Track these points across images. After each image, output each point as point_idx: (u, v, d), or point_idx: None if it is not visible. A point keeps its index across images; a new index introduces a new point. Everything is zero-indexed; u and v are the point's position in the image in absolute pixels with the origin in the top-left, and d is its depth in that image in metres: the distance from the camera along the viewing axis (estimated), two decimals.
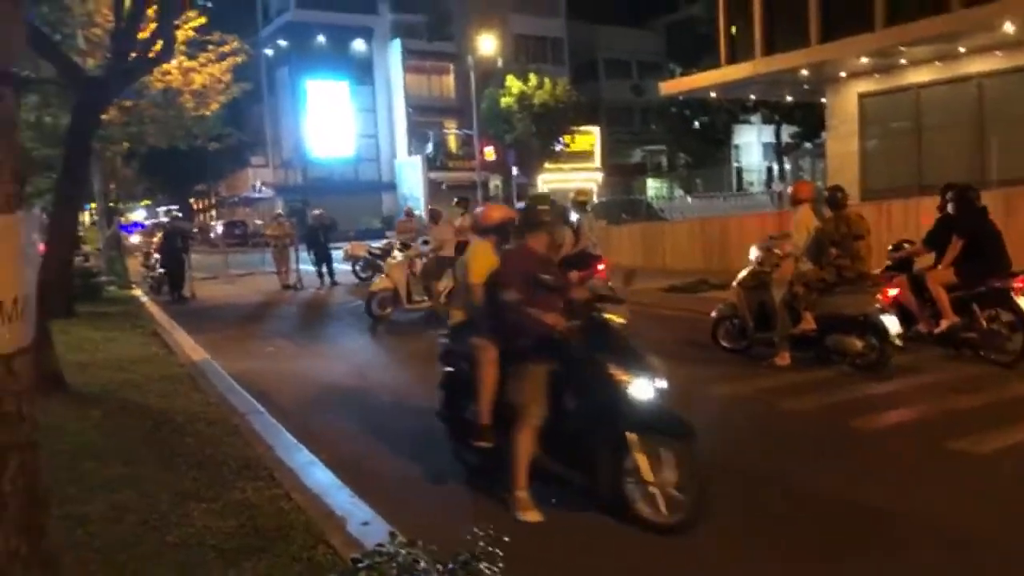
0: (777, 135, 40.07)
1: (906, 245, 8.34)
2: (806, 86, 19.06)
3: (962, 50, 15.11)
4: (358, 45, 47.50)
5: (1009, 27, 13.43)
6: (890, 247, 8.47)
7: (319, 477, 4.92)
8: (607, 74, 52.38)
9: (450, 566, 2.39)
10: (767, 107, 36.22)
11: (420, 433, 5.77)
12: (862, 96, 17.44)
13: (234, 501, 4.43)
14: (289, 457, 5.29)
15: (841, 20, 15.93)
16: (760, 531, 4.16)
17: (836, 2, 16.42)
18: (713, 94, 22.69)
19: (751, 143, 51.03)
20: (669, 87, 22.44)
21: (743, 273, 8.17)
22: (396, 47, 46.85)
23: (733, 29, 18.70)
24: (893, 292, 7.65)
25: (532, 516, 4.25)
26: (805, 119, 34.15)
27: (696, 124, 43.74)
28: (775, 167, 43.17)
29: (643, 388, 4.08)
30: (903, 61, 16.04)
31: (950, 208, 7.57)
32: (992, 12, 13.33)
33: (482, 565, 2.36)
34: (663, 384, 4.15)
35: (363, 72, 47.75)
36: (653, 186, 51.49)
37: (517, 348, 4.35)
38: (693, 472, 4.02)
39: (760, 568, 3.78)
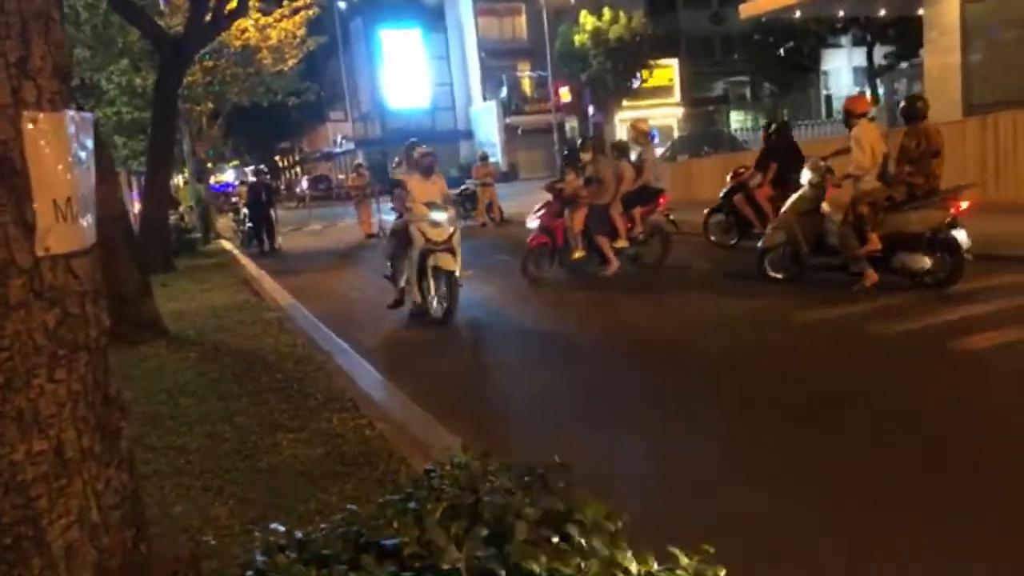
0: (869, 57, 37.71)
1: (742, 171, 10.85)
2: None
3: None
4: None
5: None
6: (729, 174, 11.19)
7: (401, 409, 5.01)
8: (685, 3, 50.28)
9: (525, 479, 2.38)
10: (858, 26, 34.10)
11: (498, 370, 5.80)
12: (965, 2, 16.11)
13: (320, 430, 4.56)
14: (372, 391, 5.41)
15: None
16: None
17: None
18: (798, 13, 21.39)
19: (840, 68, 48.32)
20: (749, 9, 21.25)
21: (795, 197, 7.92)
22: None
23: None
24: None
25: None
26: (900, 37, 32.00)
27: (781, 51, 41.64)
28: (867, 91, 40.79)
29: None
30: None
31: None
32: None
33: (555, 479, 2.33)
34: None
35: (435, 19, 47.43)
36: (736, 118, 49.56)
37: None
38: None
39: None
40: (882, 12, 21.20)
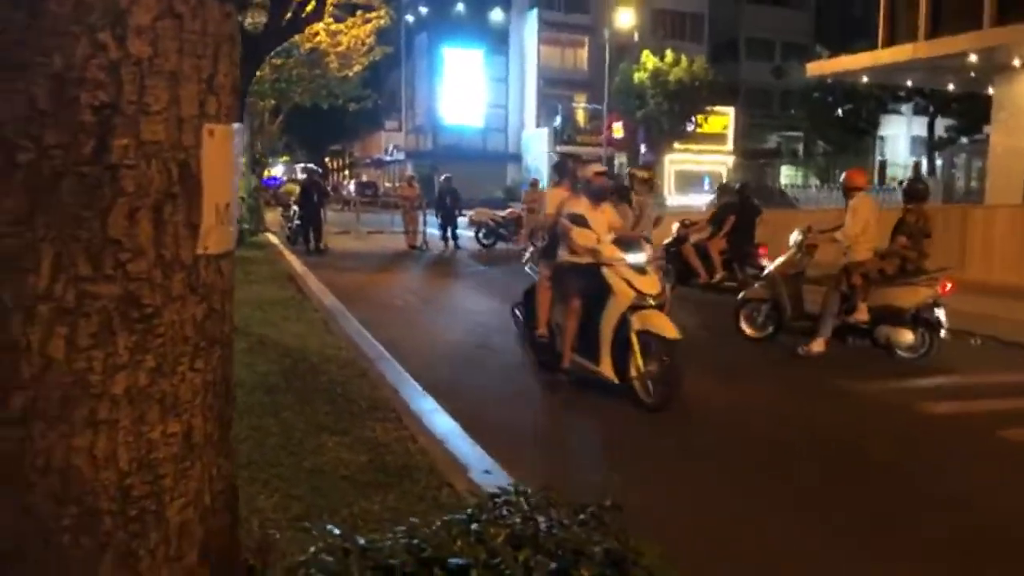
0: (931, 128, 37.41)
1: (688, 222, 11.81)
2: (972, 74, 17.65)
3: None
4: (495, 14, 47.80)
5: None
6: (676, 223, 11.86)
7: (443, 424, 5.08)
8: (748, 54, 50.40)
9: (580, 516, 2.43)
10: (922, 97, 33.89)
11: (538, 393, 5.85)
12: None
13: (364, 438, 4.64)
14: (415, 402, 5.49)
15: (1019, 2, 14.61)
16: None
17: None
18: (865, 79, 21.39)
19: (898, 135, 47.88)
20: (816, 68, 21.36)
21: (782, 259, 8.02)
22: (533, 17, 46.83)
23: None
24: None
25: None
26: (964, 112, 31.71)
27: (839, 111, 41.49)
28: (924, 162, 40.38)
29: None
30: None
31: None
32: None
33: (608, 517, 2.38)
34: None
35: (498, 41, 48.09)
36: (787, 173, 49.36)
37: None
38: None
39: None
40: (950, 86, 21.11)
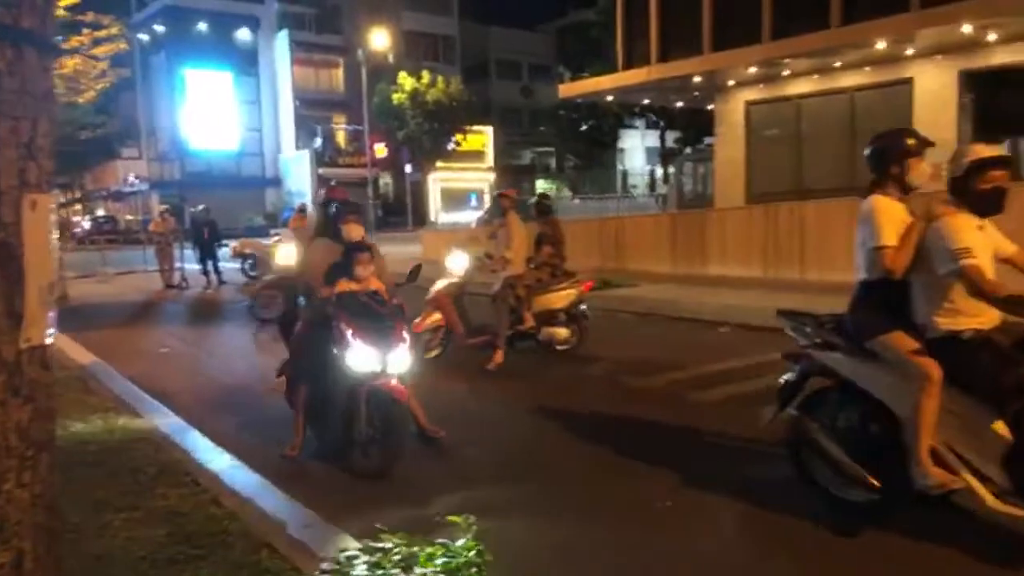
0: (662, 140, 41.62)
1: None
2: (697, 93, 19.88)
3: (837, 65, 16.20)
4: (242, 34, 45.71)
5: (880, 45, 14.51)
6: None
7: (246, 480, 4.69)
8: (498, 74, 52.82)
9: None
10: (653, 112, 37.55)
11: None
12: (749, 104, 18.38)
13: (158, 509, 4.16)
14: (209, 461, 5.02)
15: (732, 31, 16.74)
16: None
17: (727, 14, 17.25)
18: (610, 98, 23.28)
19: (635, 147, 52.78)
20: (567, 90, 22.89)
21: (444, 283, 7.97)
22: (283, 38, 45.44)
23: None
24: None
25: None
26: (688, 125, 35.63)
27: (584, 127, 44.79)
28: (658, 171, 44.80)
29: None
30: (786, 72, 17.03)
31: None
32: (865, 31, 14.36)
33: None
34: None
35: (247, 63, 45.99)
36: (543, 186, 52.35)
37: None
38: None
39: None
40: (679, 104, 23.59)
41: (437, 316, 7.94)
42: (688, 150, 39.57)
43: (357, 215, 5.43)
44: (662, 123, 39.38)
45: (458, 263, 8.11)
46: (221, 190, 40.43)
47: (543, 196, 8.86)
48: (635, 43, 19.03)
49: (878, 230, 3.73)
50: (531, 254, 8.53)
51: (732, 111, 18.74)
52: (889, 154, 3.89)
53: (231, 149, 45.78)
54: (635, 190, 49.52)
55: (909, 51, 15.03)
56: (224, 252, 17.84)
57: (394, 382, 4.87)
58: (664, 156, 41.85)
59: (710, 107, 20.05)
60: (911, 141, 3.89)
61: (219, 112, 44.80)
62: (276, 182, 46.83)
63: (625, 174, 50.94)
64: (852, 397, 3.91)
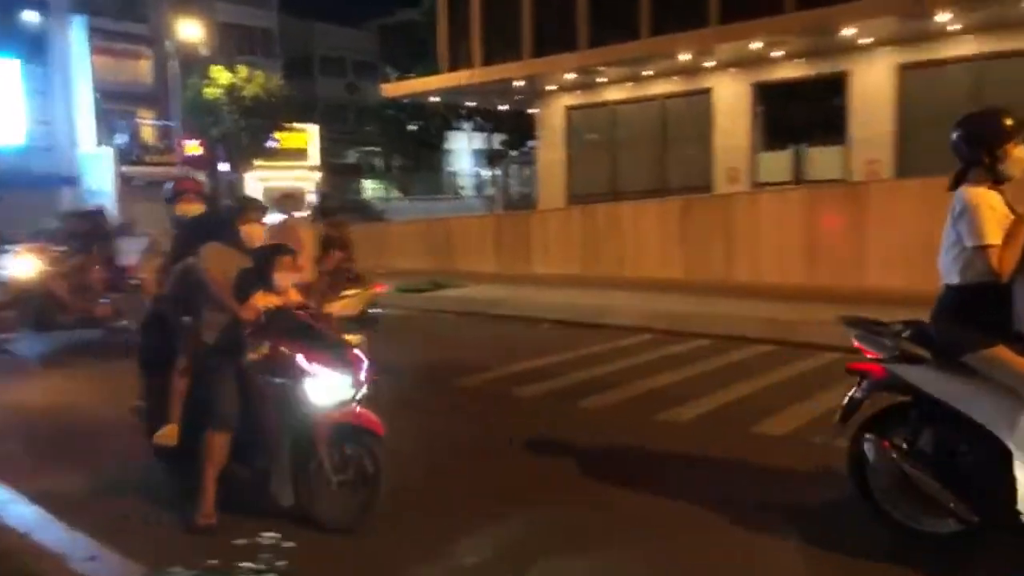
0: (488, 142, 42.27)
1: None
2: (519, 96, 20.32)
3: (648, 74, 17.15)
4: (29, 17, 41.21)
5: (684, 56, 15.51)
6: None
7: (22, 514, 4.19)
8: (321, 71, 51.32)
9: None
10: (480, 115, 38.04)
11: (119, 452, 5.14)
12: (569, 109, 19.03)
13: None
14: None
15: (551, 38, 17.27)
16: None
17: (546, 21, 17.77)
18: (435, 99, 23.26)
19: (463, 149, 53.20)
20: (392, 89, 22.62)
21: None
22: (79, 24, 41.46)
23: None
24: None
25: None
26: (513, 128, 36.41)
27: (411, 128, 44.53)
28: (485, 172, 45.49)
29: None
30: (603, 79, 17.79)
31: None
32: (670, 42, 15.31)
33: None
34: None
35: (35, 49, 41.52)
36: (371, 187, 51.53)
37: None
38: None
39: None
40: (504, 106, 24.00)
41: None
42: (514, 153, 40.50)
43: (260, 212, 4.57)
44: (489, 125, 39.98)
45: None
46: (4, 189, 36.18)
47: (327, 197, 8.24)
48: (458, 45, 19.15)
49: (980, 226, 3.23)
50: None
51: (553, 115, 19.32)
52: (983, 138, 3.34)
53: (18, 144, 41.16)
54: (464, 191, 50.00)
55: (710, 63, 16.18)
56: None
57: (358, 410, 4.00)
58: (491, 158, 42.56)
59: (533, 111, 20.56)
60: (1009, 122, 3.34)
61: (4, 103, 40.16)
62: (73, 181, 42.65)
63: (453, 175, 51.24)
64: (937, 417, 3.42)
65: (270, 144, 40.84)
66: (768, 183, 15.35)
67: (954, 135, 3.41)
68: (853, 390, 3.67)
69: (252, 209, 4.55)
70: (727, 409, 6.05)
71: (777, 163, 15.96)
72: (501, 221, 16.46)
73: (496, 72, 17.96)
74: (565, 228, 14.26)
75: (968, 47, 13.65)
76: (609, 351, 8.27)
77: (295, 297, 4.24)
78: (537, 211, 16.92)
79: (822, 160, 15.43)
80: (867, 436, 3.54)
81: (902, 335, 3.51)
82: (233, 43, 44.14)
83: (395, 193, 48.38)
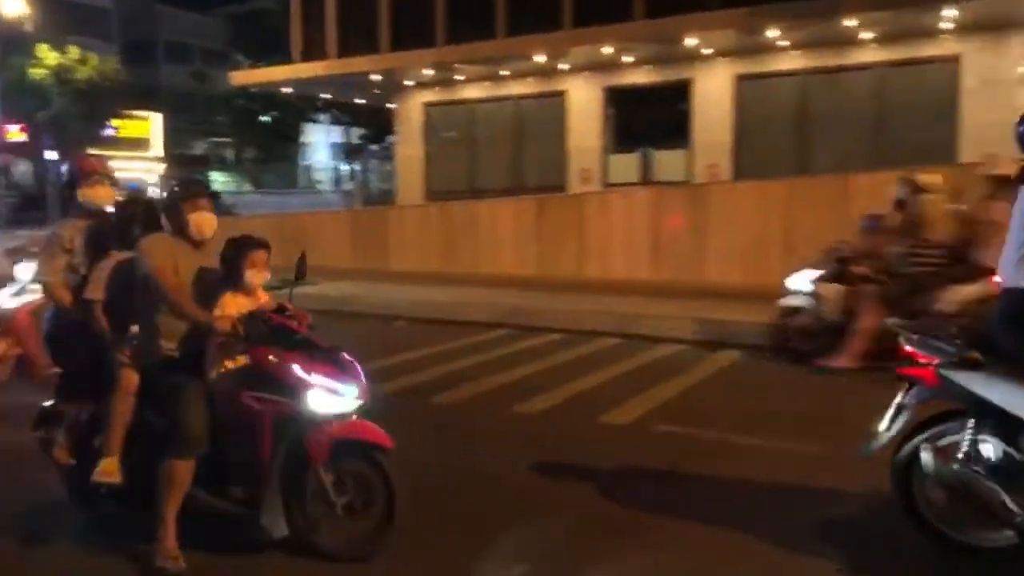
0: (347, 136, 41.40)
1: None
2: (377, 91, 20.04)
3: (505, 73, 17.41)
4: None
5: (540, 58, 15.86)
6: None
7: None
8: (167, 57, 48.35)
9: None
10: (337, 108, 37.20)
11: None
12: (427, 105, 18.98)
13: None
14: None
15: (409, 33, 17.17)
16: None
17: (405, 15, 17.64)
18: (289, 89, 22.52)
19: (320, 142, 51.84)
20: (241, 77, 21.70)
21: (20, 299, 6.47)
22: None
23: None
24: None
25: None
26: (373, 122, 35.89)
27: (264, 119, 42.89)
28: (343, 167, 44.54)
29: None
30: (461, 77, 17.88)
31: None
32: (526, 44, 15.61)
33: None
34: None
35: None
36: (220, 180, 49.11)
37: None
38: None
39: None
40: (362, 100, 23.59)
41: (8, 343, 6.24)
42: (374, 147, 39.89)
43: (209, 197, 3.76)
44: (348, 119, 39.18)
45: (27, 272, 6.22)
46: None
47: (190, 182, 7.19)
48: (313, 36, 18.66)
49: None
50: None
51: (411, 111, 19.21)
52: None
53: None
54: (321, 186, 48.66)
55: (564, 66, 16.64)
56: None
57: (358, 422, 3.51)
58: (349, 152, 41.74)
59: (391, 106, 20.34)
60: None
61: None
62: None
63: (310, 169, 49.81)
64: (998, 424, 3.22)
65: (107, 132, 38.05)
66: (618, 184, 16.00)
67: (1021, 128, 3.23)
68: (899, 397, 3.48)
69: (198, 193, 3.70)
70: (576, 400, 6.26)
71: (626, 165, 16.66)
72: (358, 217, 16.17)
73: (352, 65, 17.63)
74: (423, 225, 14.22)
75: (795, 62, 14.83)
76: (464, 347, 8.33)
77: (264, 297, 3.69)
78: (395, 207, 16.76)
79: (667, 163, 16.26)
80: (924, 444, 3.35)
81: (956, 339, 3.34)
82: (63, 21, 40.67)
83: (247, 186, 46.38)
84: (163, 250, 3.54)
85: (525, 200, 14.10)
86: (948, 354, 3.30)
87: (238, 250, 3.54)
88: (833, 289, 6.93)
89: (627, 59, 15.95)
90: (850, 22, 13.03)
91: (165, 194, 3.99)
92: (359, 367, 3.57)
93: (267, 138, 43.82)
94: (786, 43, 14.36)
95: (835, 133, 14.24)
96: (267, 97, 36.59)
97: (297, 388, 3.33)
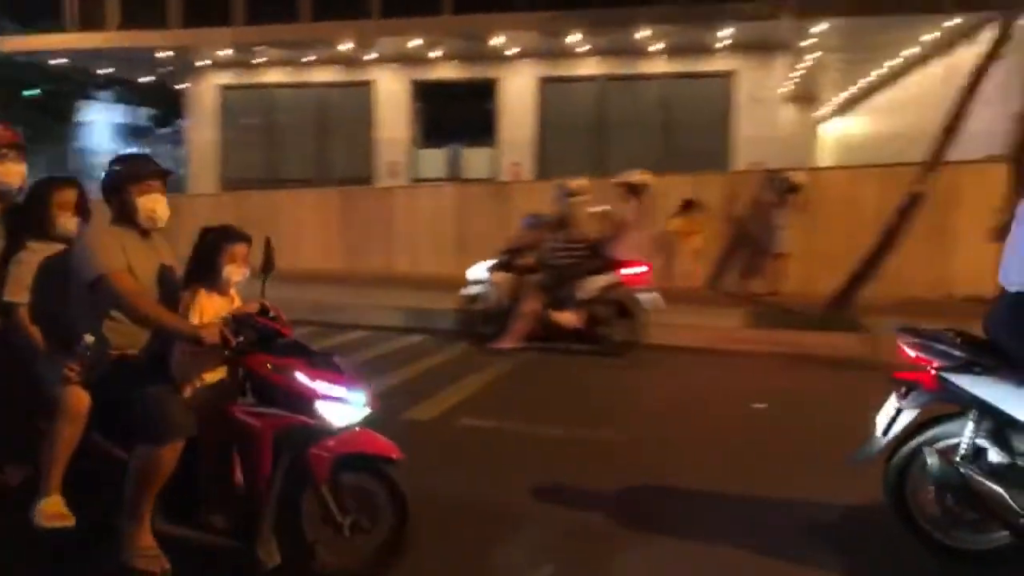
0: (133, 117, 38.06)
1: None
2: (167, 68, 18.52)
3: (310, 59, 16.76)
4: None
5: (346, 46, 15.43)
6: None
7: None
8: None
9: None
10: (121, 86, 34.07)
11: None
12: (223, 88, 17.83)
13: None
14: None
15: (203, 8, 15.98)
16: None
17: None
18: (62, 60, 20.17)
19: (101, 122, 47.21)
20: (6, 44, 19.12)
21: None
22: None
23: None
24: None
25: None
26: (162, 103, 33.25)
27: (32, 92, 38.28)
28: (135, 149, 40.79)
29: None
30: (260, 60, 16.97)
31: None
32: (331, 30, 15.14)
33: None
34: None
35: None
36: None
37: None
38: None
39: None
40: (150, 78, 21.65)
41: None
42: (164, 130, 36.97)
43: (162, 176, 3.10)
44: (135, 98, 36.00)
45: None
46: None
47: None
48: (91, 2, 16.84)
49: None
50: None
51: (205, 93, 17.97)
52: None
53: None
54: (96, 172, 44.22)
55: (371, 56, 16.32)
56: None
57: (360, 432, 3.06)
58: (134, 134, 38.42)
59: (182, 87, 18.90)
60: None
61: None
62: None
63: (85, 152, 45.19)
64: (1000, 427, 3.19)
65: None
66: (427, 179, 15.98)
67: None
68: (895, 401, 3.40)
69: (149, 172, 3.06)
70: (380, 397, 6.12)
71: (435, 160, 16.69)
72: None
73: (135, 38, 16.18)
74: (215, 215, 13.23)
75: (595, 68, 15.59)
76: None
77: (237, 298, 3.18)
78: (184, 195, 15.55)
79: (475, 159, 16.49)
80: (926, 447, 3.30)
81: (959, 344, 3.28)
82: None
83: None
84: (113, 247, 2.94)
85: (329, 191, 13.69)
86: (952, 358, 3.26)
87: (216, 242, 3.03)
88: (503, 277, 7.68)
89: (435, 54, 15.95)
90: (642, 33, 13.89)
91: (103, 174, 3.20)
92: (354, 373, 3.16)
93: (36, 115, 39.12)
94: (586, 48, 15.04)
95: (628, 137, 15.14)
96: (35, 69, 32.66)
97: (303, 398, 2.92)
